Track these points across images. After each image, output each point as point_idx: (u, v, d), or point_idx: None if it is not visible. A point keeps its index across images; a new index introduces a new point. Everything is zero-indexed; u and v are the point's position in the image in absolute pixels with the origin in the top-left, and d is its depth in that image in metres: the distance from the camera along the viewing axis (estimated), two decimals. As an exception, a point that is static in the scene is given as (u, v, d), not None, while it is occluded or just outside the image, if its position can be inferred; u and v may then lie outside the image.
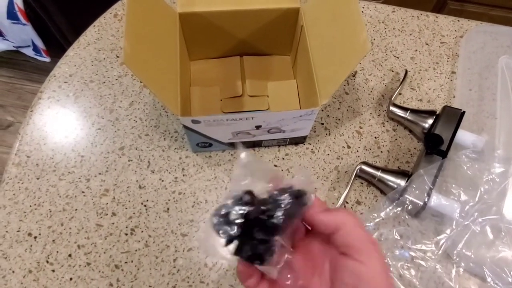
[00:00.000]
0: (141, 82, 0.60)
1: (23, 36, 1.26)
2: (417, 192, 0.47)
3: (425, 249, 0.47)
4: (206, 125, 0.46)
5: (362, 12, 0.69)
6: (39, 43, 1.29)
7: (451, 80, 0.62)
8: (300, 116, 0.47)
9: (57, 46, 1.30)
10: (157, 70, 0.43)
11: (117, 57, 0.62)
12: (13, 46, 1.33)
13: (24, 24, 1.20)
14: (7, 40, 1.30)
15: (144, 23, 0.43)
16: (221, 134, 0.49)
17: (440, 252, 0.46)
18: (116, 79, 0.60)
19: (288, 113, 0.46)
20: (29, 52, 1.36)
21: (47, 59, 1.37)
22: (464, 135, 0.52)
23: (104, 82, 0.59)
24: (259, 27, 0.55)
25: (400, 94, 0.61)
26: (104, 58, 0.61)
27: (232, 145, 0.53)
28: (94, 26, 0.65)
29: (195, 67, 0.60)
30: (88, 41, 0.63)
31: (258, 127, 0.48)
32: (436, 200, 0.47)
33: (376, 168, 0.52)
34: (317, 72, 0.48)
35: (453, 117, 0.52)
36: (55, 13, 1.19)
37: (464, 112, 0.53)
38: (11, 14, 1.17)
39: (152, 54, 0.43)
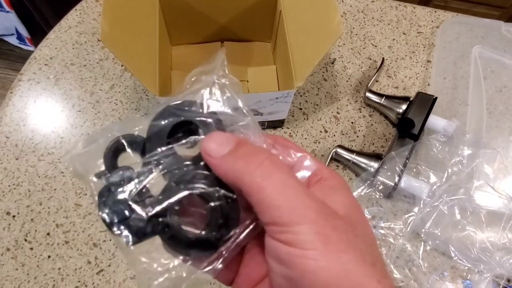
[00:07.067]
0: (122, 65, 0.60)
1: (6, 24, 1.24)
2: (388, 173, 0.49)
3: (394, 227, 0.48)
4: (184, 106, 0.47)
5: (342, 1, 0.70)
6: (23, 31, 1.27)
7: (427, 69, 0.64)
8: (277, 98, 0.48)
9: (41, 34, 1.28)
10: (135, 50, 0.43)
11: (99, 40, 0.62)
12: (-4, 34, 1.31)
13: (7, 12, 1.18)
14: (-10, 27, 1.28)
15: (123, 5, 0.43)
16: (200, 116, 0.50)
17: (408, 230, 0.48)
18: (97, 63, 0.60)
19: (264, 95, 0.47)
20: (13, 40, 1.34)
21: (32, 48, 1.35)
22: (435, 120, 0.54)
23: (85, 65, 0.60)
24: (240, 12, 0.56)
25: (377, 81, 0.62)
26: (85, 42, 0.62)
27: (211, 128, 0.54)
28: (76, 9, 0.65)
29: (176, 52, 0.61)
30: (69, 25, 0.63)
31: (235, 109, 0.49)
32: (406, 181, 0.49)
33: (351, 151, 0.53)
34: (294, 55, 0.49)
35: (425, 102, 0.54)
36: (39, 1, 1.17)
37: (436, 98, 0.54)
38: (-6, 1, 1.15)
39: (131, 35, 0.44)
